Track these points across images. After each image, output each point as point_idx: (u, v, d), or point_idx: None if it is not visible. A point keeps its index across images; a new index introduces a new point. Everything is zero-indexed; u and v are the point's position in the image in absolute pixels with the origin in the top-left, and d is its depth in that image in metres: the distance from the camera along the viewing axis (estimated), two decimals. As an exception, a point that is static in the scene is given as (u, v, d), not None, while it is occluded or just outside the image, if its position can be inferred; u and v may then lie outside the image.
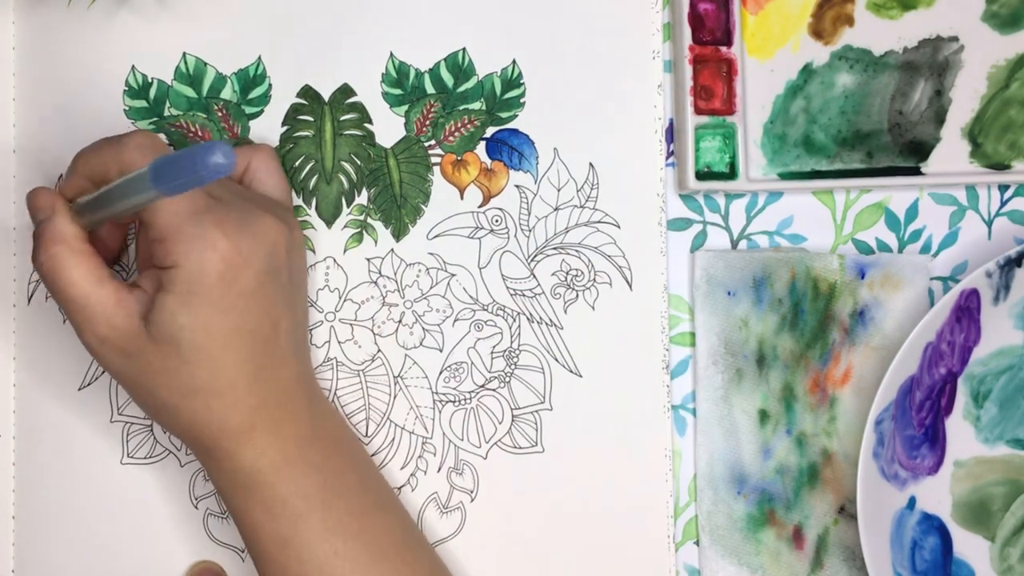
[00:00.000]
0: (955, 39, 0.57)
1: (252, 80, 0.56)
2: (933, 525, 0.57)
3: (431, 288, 0.56)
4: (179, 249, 0.45)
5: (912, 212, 0.58)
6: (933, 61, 0.57)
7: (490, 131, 0.56)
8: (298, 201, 0.56)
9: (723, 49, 0.56)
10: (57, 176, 0.56)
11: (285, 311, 0.49)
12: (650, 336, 0.56)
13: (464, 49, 0.56)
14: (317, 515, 0.48)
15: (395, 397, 0.56)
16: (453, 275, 0.56)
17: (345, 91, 0.56)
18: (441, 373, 0.56)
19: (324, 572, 0.48)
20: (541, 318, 0.56)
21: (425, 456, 0.56)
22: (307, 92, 0.56)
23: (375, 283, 0.56)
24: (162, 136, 0.56)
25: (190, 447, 0.50)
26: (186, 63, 0.56)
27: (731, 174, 0.56)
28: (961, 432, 0.58)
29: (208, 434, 0.48)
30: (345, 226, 0.56)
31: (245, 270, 0.46)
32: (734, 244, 0.58)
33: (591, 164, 0.56)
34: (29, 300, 0.56)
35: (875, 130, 0.57)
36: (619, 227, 0.56)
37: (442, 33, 0.56)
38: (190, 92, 0.56)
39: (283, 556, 0.48)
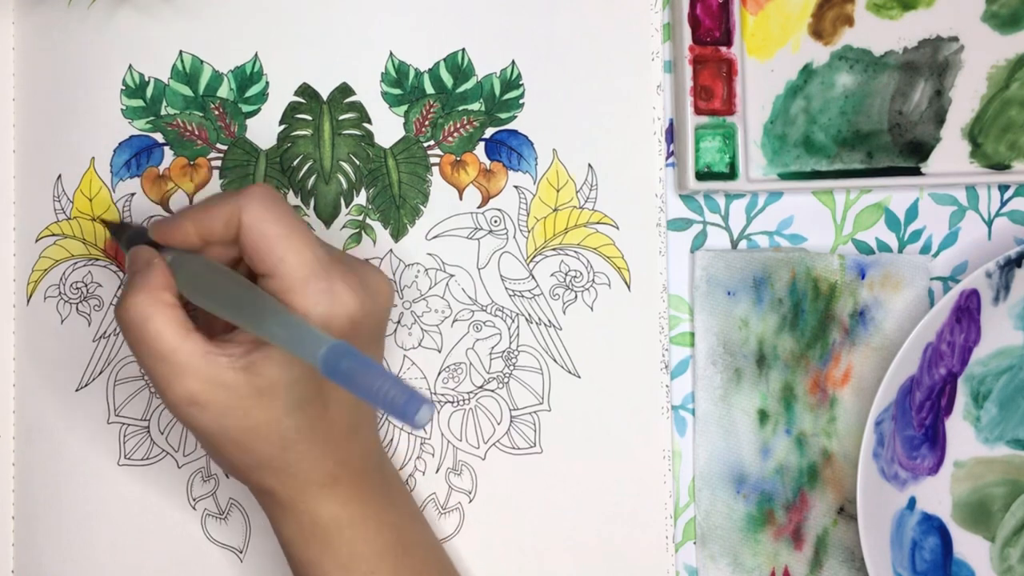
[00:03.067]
0: (955, 39, 0.57)
1: (249, 78, 0.56)
2: (933, 525, 0.57)
3: (430, 289, 0.56)
4: (306, 303, 0.44)
5: (912, 212, 0.58)
6: (933, 61, 0.57)
7: (489, 132, 0.56)
8: (296, 201, 0.56)
9: (723, 49, 0.56)
10: (56, 176, 0.56)
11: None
12: (649, 336, 0.56)
13: (464, 49, 0.56)
14: (388, 572, 0.48)
15: (394, 397, 0.56)
16: (452, 276, 0.56)
17: (344, 90, 0.56)
18: (440, 374, 0.56)
19: None
20: (540, 319, 0.56)
21: (423, 457, 0.56)
22: (305, 91, 0.56)
23: (374, 283, 0.56)
24: (159, 135, 0.56)
25: (265, 498, 0.49)
26: (182, 61, 0.56)
27: (731, 174, 0.56)
28: (961, 432, 0.57)
29: (293, 485, 0.47)
30: (344, 226, 0.56)
31: (363, 327, 0.46)
32: (734, 244, 0.58)
33: (590, 165, 0.56)
34: (28, 300, 0.56)
35: (875, 130, 0.57)
36: (618, 228, 0.56)
37: (442, 33, 0.56)
38: (187, 91, 0.56)
39: None
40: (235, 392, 0.45)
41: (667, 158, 0.57)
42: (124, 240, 0.52)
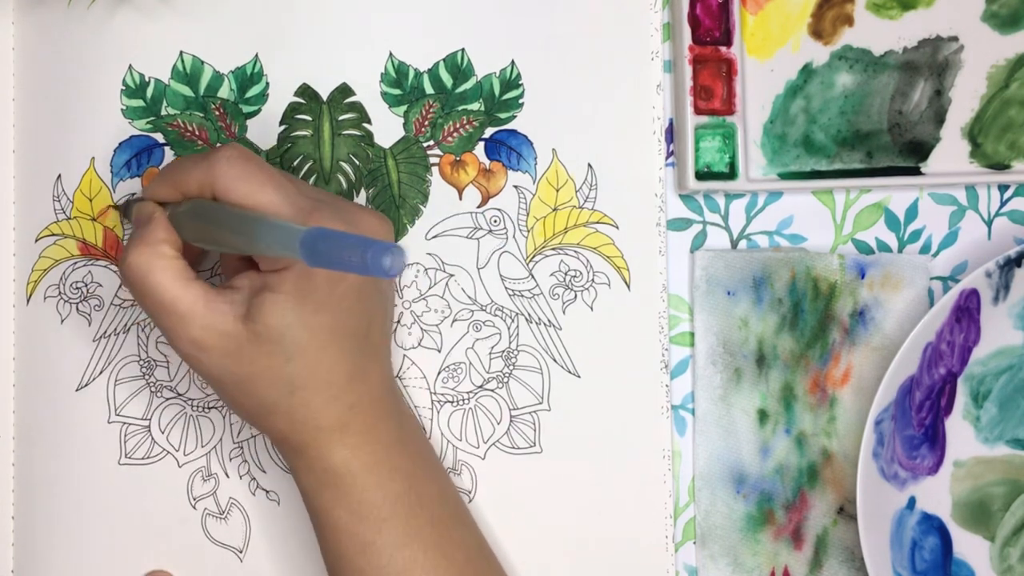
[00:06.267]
0: (955, 39, 0.57)
1: (249, 78, 0.56)
2: (933, 525, 0.57)
3: (429, 288, 0.56)
4: None
5: (912, 212, 0.58)
6: (933, 61, 0.57)
7: (489, 131, 0.56)
8: (296, 201, 0.56)
9: (723, 49, 0.56)
10: (56, 176, 0.56)
11: (379, 311, 0.50)
12: (649, 336, 0.56)
13: (463, 49, 0.56)
14: (400, 521, 0.49)
15: (394, 397, 0.56)
16: (451, 275, 0.56)
17: (344, 90, 0.56)
18: (439, 374, 0.56)
19: None
20: (540, 318, 0.56)
21: (424, 456, 0.56)
22: (305, 91, 0.56)
23: (374, 283, 0.56)
24: (159, 136, 0.56)
25: (281, 446, 0.50)
26: (183, 62, 0.56)
27: (731, 174, 0.56)
28: (961, 432, 0.57)
29: (303, 431, 0.48)
30: (344, 226, 0.56)
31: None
32: (734, 244, 0.58)
33: (590, 164, 0.56)
34: (28, 300, 0.56)
35: (875, 130, 0.57)
36: (618, 228, 0.56)
37: (441, 33, 0.56)
38: (187, 91, 0.56)
39: (362, 559, 0.49)
40: (236, 338, 0.46)
41: (667, 158, 0.57)
42: (131, 212, 0.53)
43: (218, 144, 0.56)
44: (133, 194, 0.56)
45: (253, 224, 0.44)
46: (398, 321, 0.56)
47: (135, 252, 0.47)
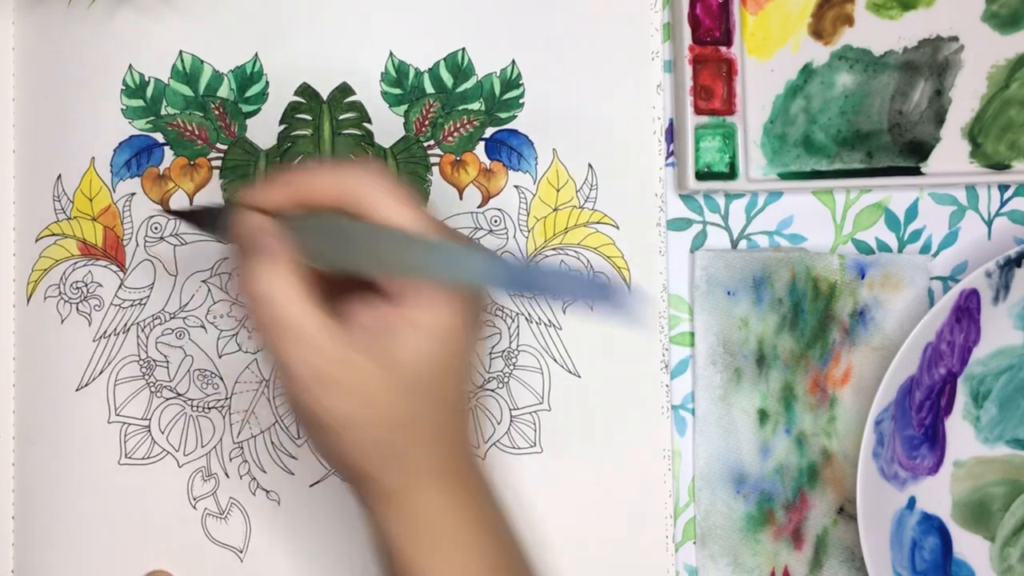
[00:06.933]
0: (955, 39, 0.57)
1: (249, 78, 0.56)
2: (933, 525, 0.57)
3: (430, 288, 0.56)
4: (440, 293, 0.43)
5: (912, 212, 0.58)
6: (933, 61, 0.57)
7: (489, 131, 0.56)
8: (297, 201, 0.56)
9: (723, 49, 0.56)
10: (56, 176, 0.56)
11: (477, 361, 0.50)
12: (649, 336, 0.56)
13: (463, 49, 0.56)
14: (488, 569, 0.46)
15: (394, 397, 0.56)
16: (452, 275, 0.56)
17: (344, 90, 0.56)
18: (440, 373, 0.56)
19: None
20: (540, 318, 0.56)
21: (424, 456, 0.56)
22: (305, 91, 0.56)
23: (374, 283, 0.56)
24: (159, 135, 0.56)
25: (368, 489, 0.46)
26: (182, 61, 0.56)
27: (731, 174, 0.56)
28: (961, 432, 0.57)
29: (401, 471, 0.45)
30: (344, 226, 0.56)
31: (483, 315, 0.46)
32: (734, 244, 0.58)
33: (590, 164, 0.56)
34: (28, 300, 0.56)
35: (875, 130, 0.57)
36: (618, 228, 0.56)
37: (441, 33, 0.56)
38: (187, 91, 0.56)
39: None
40: (361, 373, 0.42)
41: (667, 158, 0.57)
42: (219, 221, 0.47)
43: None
44: (209, 203, 0.54)
45: (415, 248, 0.41)
46: None
47: (257, 266, 0.43)
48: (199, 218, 0.51)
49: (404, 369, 0.43)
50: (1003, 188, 0.59)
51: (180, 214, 0.54)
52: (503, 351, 0.56)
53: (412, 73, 0.56)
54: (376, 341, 0.43)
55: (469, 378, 0.47)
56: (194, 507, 0.56)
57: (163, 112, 0.56)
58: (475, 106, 0.56)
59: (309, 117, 0.56)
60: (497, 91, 0.56)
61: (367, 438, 0.44)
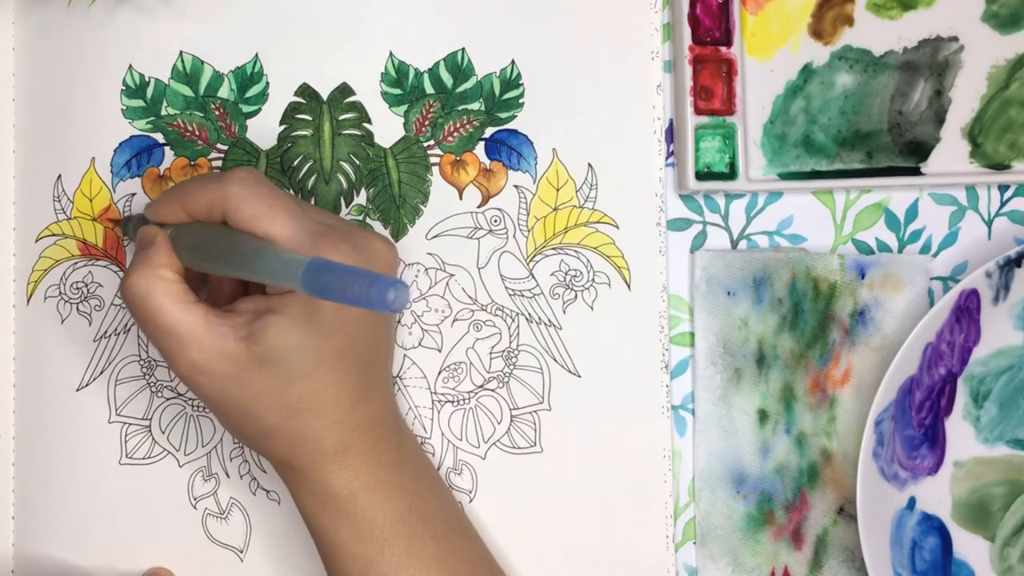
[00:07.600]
0: (955, 39, 0.57)
1: (249, 78, 0.56)
2: (933, 525, 0.57)
3: (430, 288, 0.56)
4: None
5: (912, 212, 0.58)
6: (933, 61, 0.57)
7: (489, 131, 0.56)
8: (297, 201, 0.56)
9: (723, 49, 0.56)
10: (56, 176, 0.56)
11: (383, 336, 0.50)
12: (649, 336, 0.56)
13: (463, 49, 0.56)
14: (402, 540, 0.49)
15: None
16: (452, 275, 0.56)
17: (344, 90, 0.56)
18: (440, 373, 0.56)
19: None
20: (540, 318, 0.56)
21: (424, 456, 0.56)
22: (305, 91, 0.56)
23: (374, 283, 0.56)
24: (159, 136, 0.56)
25: (280, 468, 0.50)
26: (183, 61, 0.56)
27: (731, 174, 0.56)
28: (961, 432, 0.57)
29: (304, 454, 0.48)
30: (344, 226, 0.56)
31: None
32: (734, 244, 0.58)
33: (590, 164, 0.56)
34: (28, 300, 0.56)
35: (875, 130, 0.57)
36: (618, 227, 0.56)
37: (441, 33, 0.56)
38: (187, 91, 0.56)
39: None
40: (236, 361, 0.46)
41: (667, 158, 0.57)
42: (130, 229, 0.53)
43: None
44: (129, 212, 0.56)
45: (255, 254, 0.44)
46: (399, 321, 0.56)
47: (136, 275, 0.47)
48: (124, 227, 0.55)
49: (274, 352, 0.46)
50: (1003, 188, 0.59)
51: (116, 222, 0.56)
52: (503, 351, 0.56)
53: (412, 73, 0.56)
54: (249, 328, 0.46)
55: (364, 360, 0.49)
56: (194, 507, 0.56)
57: (163, 112, 0.56)
58: (475, 106, 0.56)
59: (309, 117, 0.56)
60: (497, 91, 0.56)
61: (259, 421, 0.47)
